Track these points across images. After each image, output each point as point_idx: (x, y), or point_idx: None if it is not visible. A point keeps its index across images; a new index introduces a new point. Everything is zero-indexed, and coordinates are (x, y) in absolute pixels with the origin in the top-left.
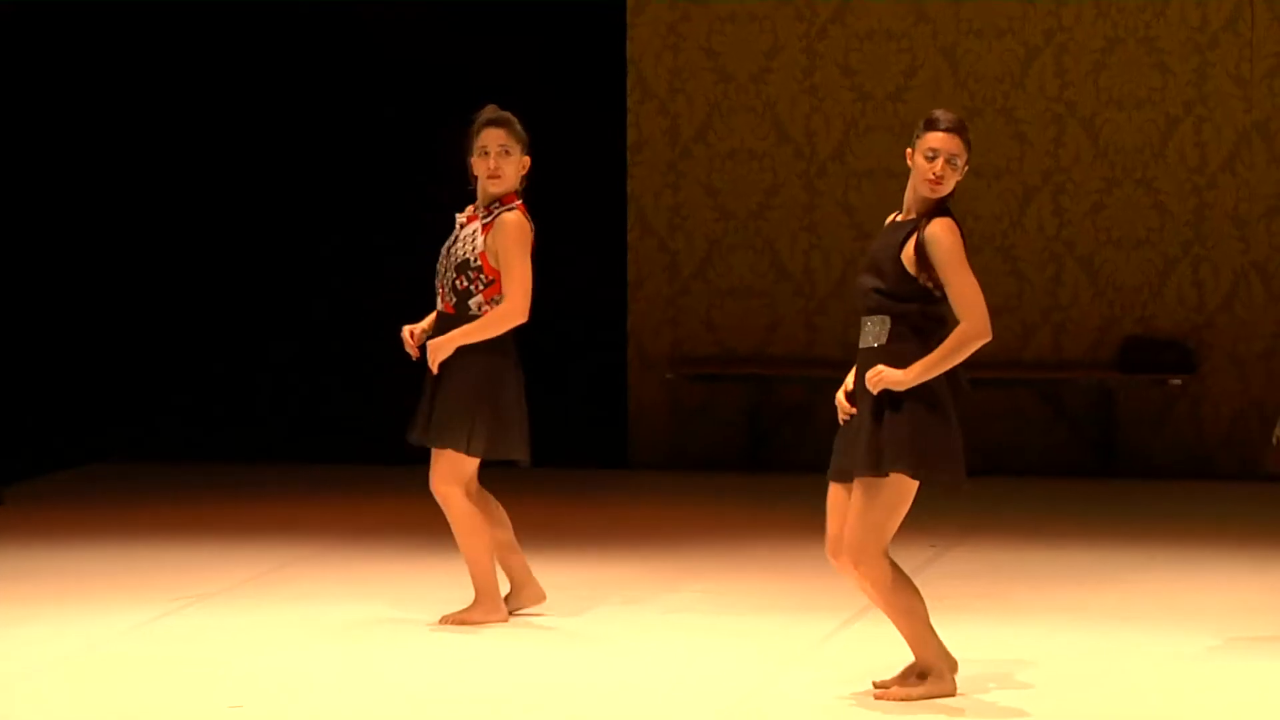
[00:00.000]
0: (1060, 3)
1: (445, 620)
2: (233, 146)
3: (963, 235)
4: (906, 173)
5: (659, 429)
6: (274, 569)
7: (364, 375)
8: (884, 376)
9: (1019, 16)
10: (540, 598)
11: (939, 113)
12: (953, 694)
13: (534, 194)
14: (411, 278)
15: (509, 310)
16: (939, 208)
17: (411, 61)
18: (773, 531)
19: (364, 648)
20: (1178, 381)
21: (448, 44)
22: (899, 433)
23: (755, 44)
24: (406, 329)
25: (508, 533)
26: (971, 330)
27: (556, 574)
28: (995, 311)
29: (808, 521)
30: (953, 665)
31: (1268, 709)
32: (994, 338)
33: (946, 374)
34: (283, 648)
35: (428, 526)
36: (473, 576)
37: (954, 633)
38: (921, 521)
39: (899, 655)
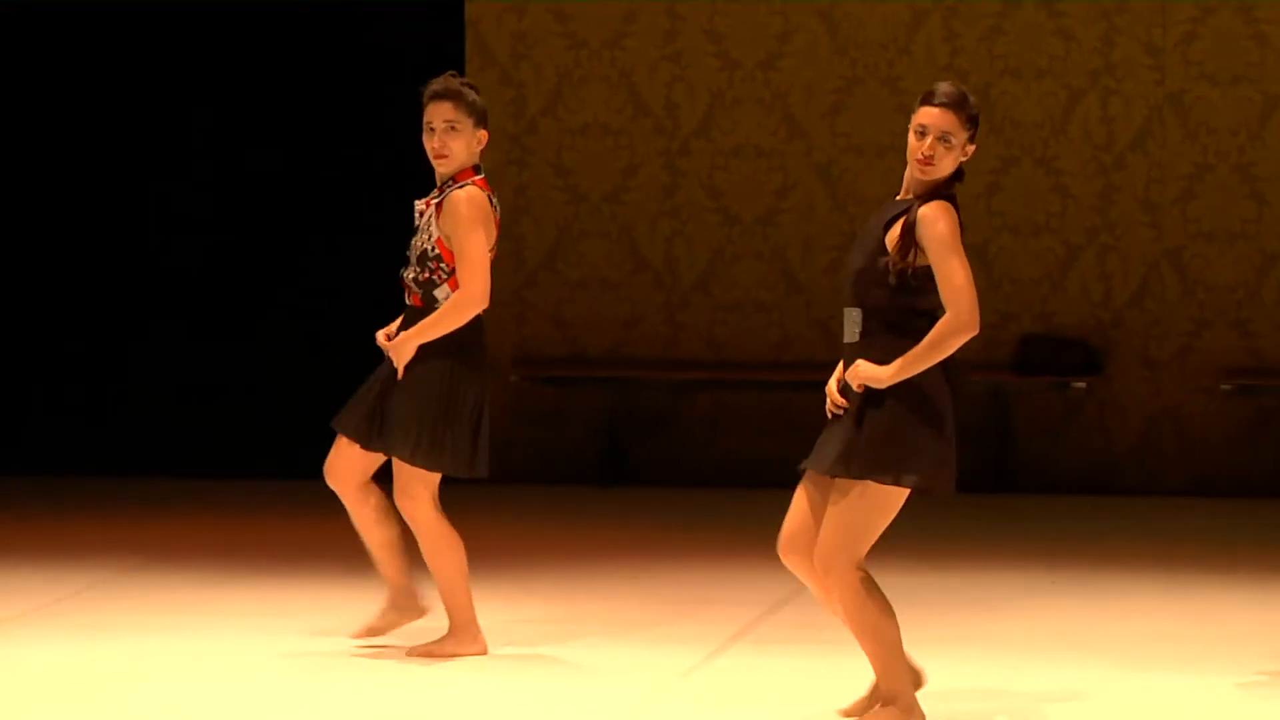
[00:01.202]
0: None
1: (413, 652)
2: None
3: (960, 223)
4: (778, 150)
5: (504, 437)
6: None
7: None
8: (862, 372)
9: None
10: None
11: (938, 85)
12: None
13: (368, 171)
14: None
15: (464, 298)
16: (939, 192)
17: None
18: (632, 552)
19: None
20: (1082, 385)
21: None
22: (876, 434)
23: (610, 6)
24: (380, 333)
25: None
26: (956, 322)
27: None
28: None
29: (671, 540)
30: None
31: None
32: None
33: (944, 372)
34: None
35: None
36: (443, 600)
37: (839, 666)
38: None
39: (771, 689)
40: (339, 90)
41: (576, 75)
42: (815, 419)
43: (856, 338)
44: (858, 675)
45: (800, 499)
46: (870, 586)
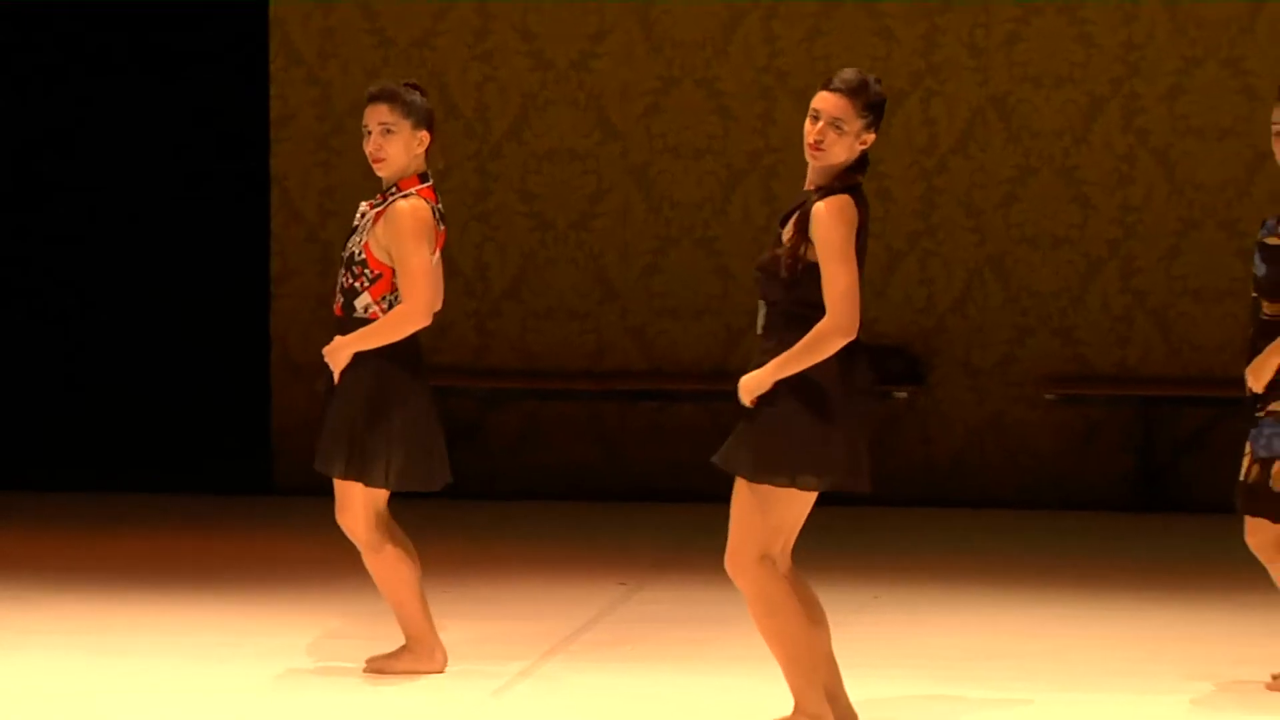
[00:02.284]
0: None
1: (370, 667)
2: None
3: (863, 220)
4: (592, 153)
5: (308, 448)
6: None
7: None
8: (742, 385)
9: None
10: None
11: (840, 71)
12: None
13: (172, 175)
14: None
15: (406, 312)
16: (843, 183)
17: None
18: (441, 564)
19: None
20: (903, 394)
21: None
22: (763, 431)
23: (420, 3)
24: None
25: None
26: (831, 325)
27: (195, 614)
28: (697, 314)
29: (481, 553)
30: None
31: None
32: (696, 344)
33: (841, 371)
34: None
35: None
36: (398, 617)
37: (646, 684)
38: (610, 555)
39: (583, 706)
40: (140, 90)
41: (384, 75)
42: (631, 428)
43: (760, 331)
44: (669, 691)
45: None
46: (780, 588)
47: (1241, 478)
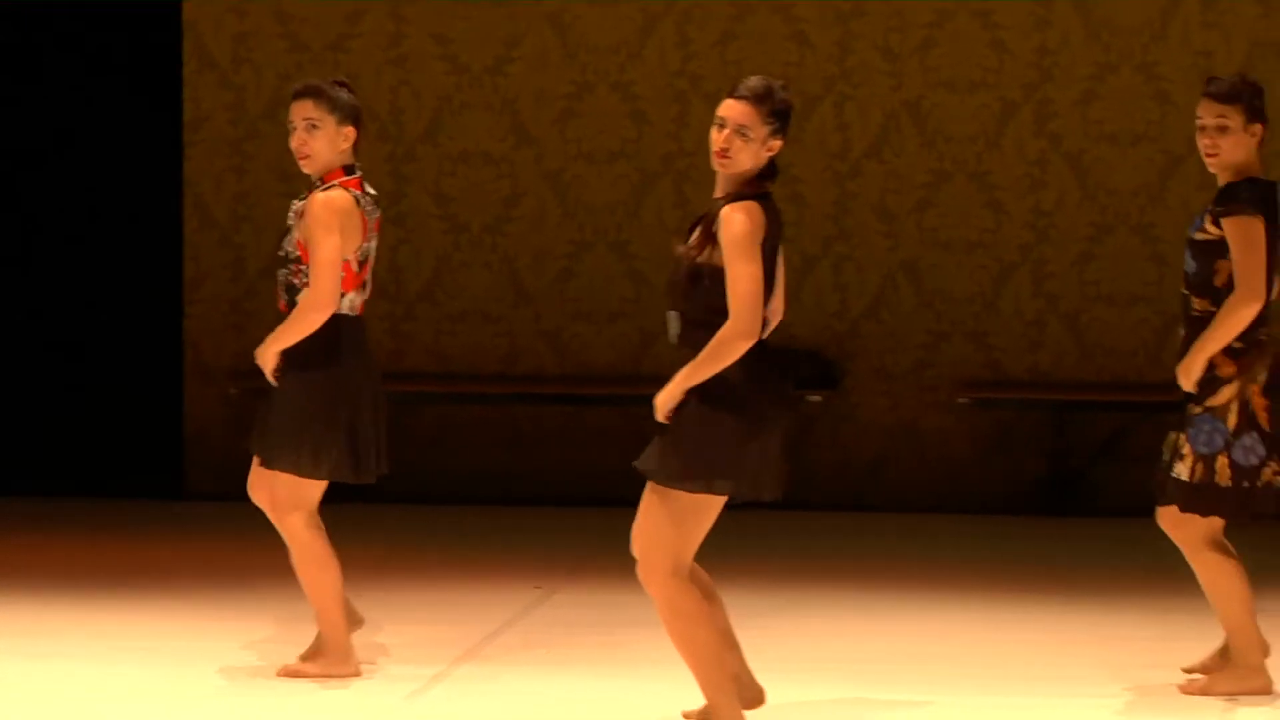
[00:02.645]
0: None
1: (283, 671)
2: None
3: (773, 226)
4: (507, 157)
5: (220, 453)
6: None
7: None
8: (657, 401)
9: None
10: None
11: (747, 79)
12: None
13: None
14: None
15: (310, 302)
16: (752, 190)
17: None
18: (355, 568)
19: None
20: (818, 399)
21: None
22: (678, 438)
23: (334, 7)
24: None
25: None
26: (733, 330)
27: (110, 620)
28: (611, 317)
29: (395, 557)
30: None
31: None
32: (611, 348)
33: (755, 378)
34: None
35: None
36: (317, 619)
37: (561, 687)
38: (525, 559)
39: (496, 711)
40: (52, 93)
41: (299, 78)
42: (544, 432)
43: (675, 339)
44: (584, 695)
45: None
46: (689, 594)
47: (1188, 479)
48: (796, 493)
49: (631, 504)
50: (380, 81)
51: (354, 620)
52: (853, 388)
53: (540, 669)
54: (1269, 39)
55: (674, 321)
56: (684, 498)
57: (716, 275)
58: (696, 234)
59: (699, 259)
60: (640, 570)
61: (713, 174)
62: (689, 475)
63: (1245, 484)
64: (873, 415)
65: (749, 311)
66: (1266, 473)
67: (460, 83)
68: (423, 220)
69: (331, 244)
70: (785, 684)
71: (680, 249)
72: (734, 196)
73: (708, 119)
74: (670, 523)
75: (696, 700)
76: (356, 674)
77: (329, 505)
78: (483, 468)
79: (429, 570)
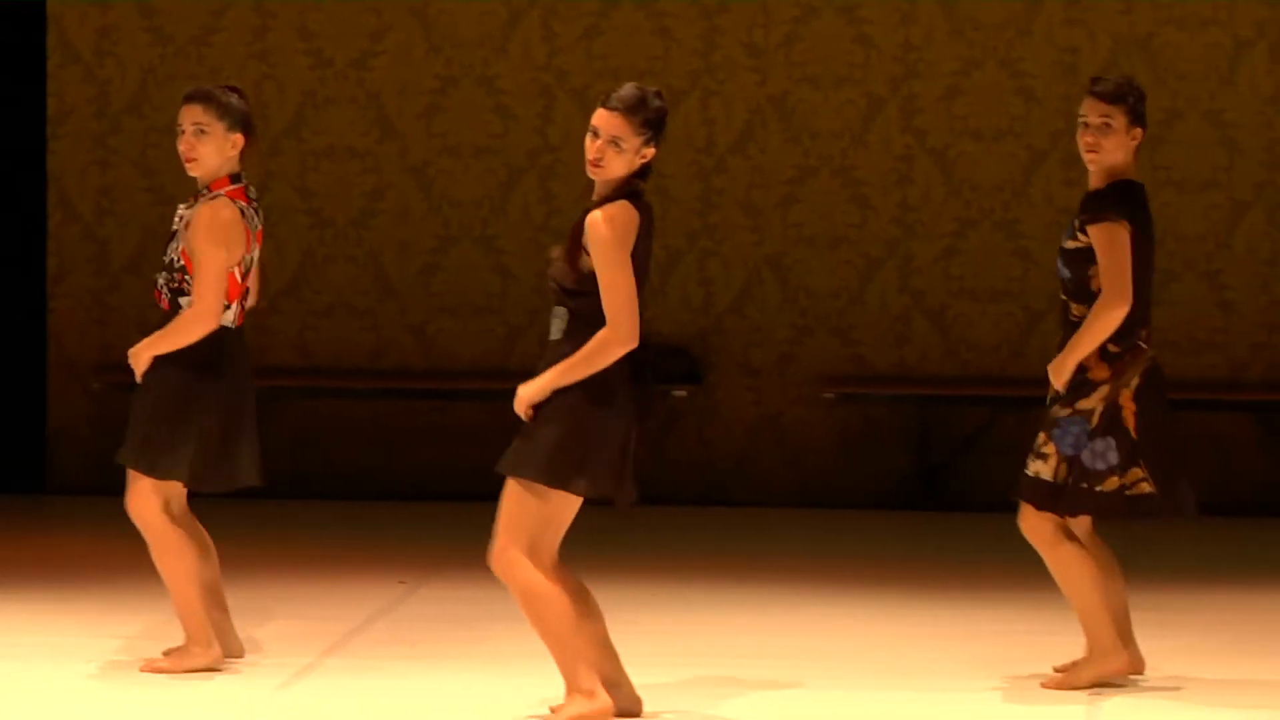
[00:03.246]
0: None
1: (146, 667)
2: None
3: (645, 224)
4: (371, 151)
5: (85, 448)
6: None
7: None
8: (520, 392)
9: None
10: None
11: (621, 87)
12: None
13: None
14: None
15: (194, 315)
16: (621, 193)
17: None
18: (222, 563)
19: None
20: (682, 394)
21: None
22: (540, 435)
23: (199, 1)
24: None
25: (212, 572)
26: (613, 335)
27: None
28: (477, 312)
29: (261, 550)
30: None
31: None
32: (476, 343)
33: (619, 378)
34: None
35: None
36: (179, 614)
37: (426, 680)
38: (390, 554)
39: (362, 705)
40: None
41: (162, 73)
42: (410, 427)
43: (560, 335)
44: (448, 688)
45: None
46: (538, 581)
47: (1049, 478)
48: (662, 488)
49: (495, 498)
50: (244, 75)
51: (224, 619)
52: (717, 383)
53: (406, 663)
54: (1131, 35)
55: (559, 318)
56: (543, 492)
57: (590, 279)
58: (570, 234)
59: (568, 260)
60: (492, 557)
61: (577, 169)
62: (549, 472)
63: (1084, 485)
64: (737, 410)
65: (627, 319)
66: (1127, 478)
67: (325, 77)
68: (287, 215)
69: (217, 259)
70: (655, 676)
71: (555, 251)
72: (604, 199)
73: (573, 113)
74: (526, 514)
75: (559, 694)
76: (219, 666)
77: (195, 501)
78: (347, 463)
79: (295, 565)
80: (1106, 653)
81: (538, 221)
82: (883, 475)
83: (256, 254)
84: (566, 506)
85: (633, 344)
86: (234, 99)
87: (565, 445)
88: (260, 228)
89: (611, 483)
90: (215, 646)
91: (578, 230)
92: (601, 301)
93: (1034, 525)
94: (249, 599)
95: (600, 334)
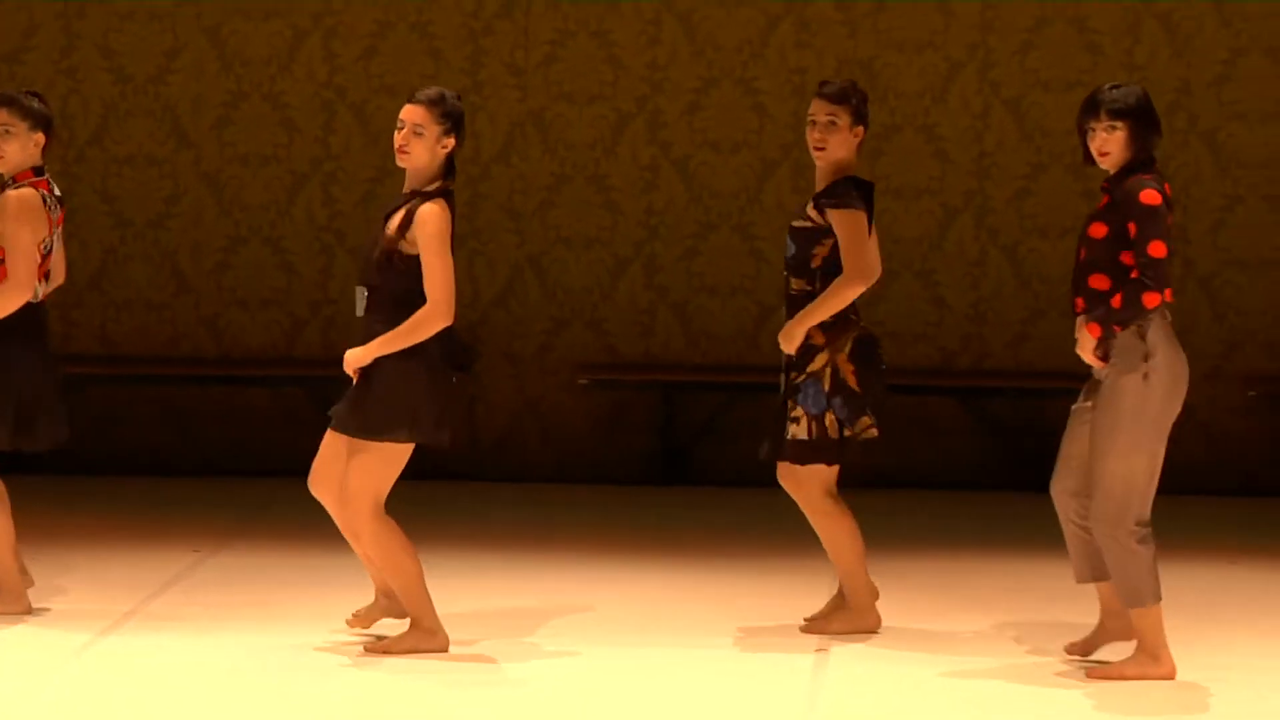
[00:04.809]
0: None
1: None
2: None
3: (453, 218)
4: (167, 160)
5: None
6: None
7: None
8: (347, 357)
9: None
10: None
11: (423, 88)
12: (444, 649)
13: None
14: None
15: (11, 287)
16: (439, 188)
17: None
18: (26, 533)
19: None
20: (452, 379)
21: None
22: (367, 397)
23: (11, 20)
24: None
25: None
26: (433, 311)
27: None
28: (264, 305)
29: (61, 523)
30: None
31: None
32: (263, 332)
33: (431, 346)
34: None
35: None
36: None
37: (224, 641)
38: (184, 526)
39: (158, 666)
40: None
41: None
42: (203, 411)
43: (362, 313)
44: (241, 649)
45: (328, 441)
46: (388, 527)
47: (805, 436)
48: (429, 466)
49: (282, 474)
50: (52, 90)
51: (25, 580)
52: (483, 370)
53: (200, 624)
54: (855, 57)
55: (363, 297)
56: (376, 447)
57: (407, 260)
58: (395, 222)
59: (393, 245)
60: (348, 513)
61: (356, 176)
62: (378, 428)
63: (835, 436)
64: (501, 396)
65: (448, 299)
66: (857, 427)
67: (125, 91)
68: (91, 217)
69: (25, 237)
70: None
71: (380, 234)
72: (427, 195)
73: (352, 126)
74: (366, 470)
75: (353, 651)
76: (28, 610)
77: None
78: (147, 442)
79: (96, 536)
80: (863, 610)
81: (320, 223)
82: (632, 454)
83: (58, 237)
84: (397, 455)
85: (450, 320)
86: (35, 103)
87: (387, 402)
88: (61, 214)
89: (432, 429)
90: (24, 600)
91: (406, 219)
92: (424, 283)
93: (800, 484)
94: (52, 567)
95: (424, 310)
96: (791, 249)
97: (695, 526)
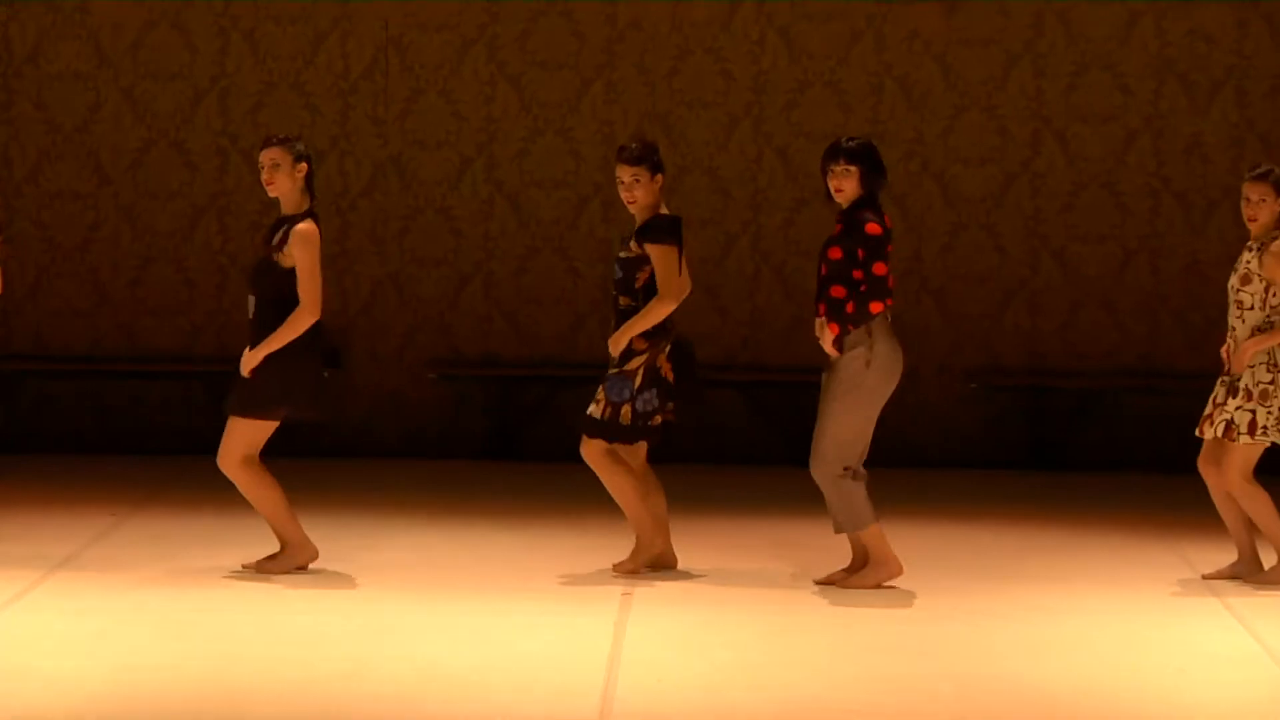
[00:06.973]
0: (223, 53)
1: None
2: None
3: (320, 232)
4: (89, 195)
5: None
6: None
7: None
8: (244, 360)
9: (187, 63)
10: None
11: (278, 134)
12: (315, 556)
13: None
14: None
15: None
16: (307, 211)
17: None
18: None
19: None
20: (326, 374)
21: None
22: (249, 383)
23: None
24: None
25: None
26: (309, 312)
27: None
28: (170, 314)
29: None
30: (312, 553)
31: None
32: (171, 337)
33: (303, 340)
34: None
35: None
36: None
37: (138, 597)
38: (103, 493)
39: (84, 619)
40: None
41: None
42: (120, 401)
43: (252, 315)
44: (156, 603)
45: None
46: (259, 475)
47: (598, 416)
48: (305, 445)
49: (184, 452)
50: None
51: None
52: (351, 367)
53: (116, 581)
54: (654, 112)
55: (250, 303)
56: (248, 422)
57: (283, 271)
58: (275, 240)
59: (272, 258)
60: (220, 460)
61: (248, 208)
62: (254, 408)
63: (640, 424)
64: (365, 387)
65: (313, 299)
66: (666, 411)
67: (55, 139)
68: (27, 241)
69: None
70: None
71: (266, 249)
72: (299, 217)
73: (242, 167)
74: (242, 435)
75: (245, 590)
76: None
77: None
78: (72, 426)
79: (18, 504)
80: (648, 546)
81: (216, 247)
82: (473, 435)
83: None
84: (266, 427)
85: (318, 316)
86: None
87: (264, 386)
88: (2, 240)
89: (303, 407)
90: None
91: (284, 238)
92: (298, 287)
93: (590, 451)
94: None
95: (297, 311)
96: (618, 273)
97: (524, 495)
